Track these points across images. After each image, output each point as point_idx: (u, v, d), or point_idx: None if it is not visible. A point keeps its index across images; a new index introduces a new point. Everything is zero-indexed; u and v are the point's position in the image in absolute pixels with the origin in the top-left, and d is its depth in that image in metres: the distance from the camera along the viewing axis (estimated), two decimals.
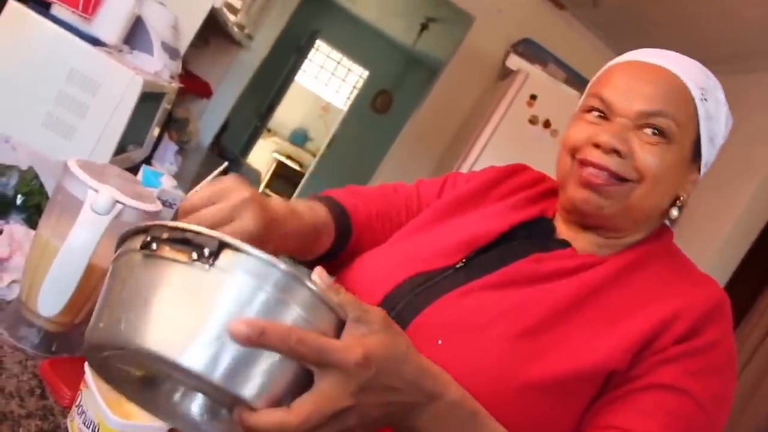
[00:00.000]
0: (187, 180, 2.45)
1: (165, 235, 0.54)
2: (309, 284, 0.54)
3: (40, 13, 1.43)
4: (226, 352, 0.50)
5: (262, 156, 8.29)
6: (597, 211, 0.89)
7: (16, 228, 1.06)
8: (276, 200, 0.88)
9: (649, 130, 0.85)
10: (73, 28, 1.46)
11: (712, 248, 2.80)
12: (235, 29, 2.69)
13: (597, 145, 0.86)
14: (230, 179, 0.79)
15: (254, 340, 0.49)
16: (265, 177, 8.11)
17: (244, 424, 0.52)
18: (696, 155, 0.89)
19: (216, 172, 1.59)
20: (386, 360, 0.57)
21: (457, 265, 0.92)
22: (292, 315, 0.53)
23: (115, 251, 0.59)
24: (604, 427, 0.76)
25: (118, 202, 0.84)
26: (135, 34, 1.71)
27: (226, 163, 1.77)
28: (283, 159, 8.56)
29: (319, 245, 0.97)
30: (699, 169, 0.92)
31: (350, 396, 0.55)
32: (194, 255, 0.52)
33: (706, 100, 0.87)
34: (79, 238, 0.82)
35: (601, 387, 0.79)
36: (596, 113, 0.90)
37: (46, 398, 0.79)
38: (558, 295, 0.84)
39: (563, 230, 0.96)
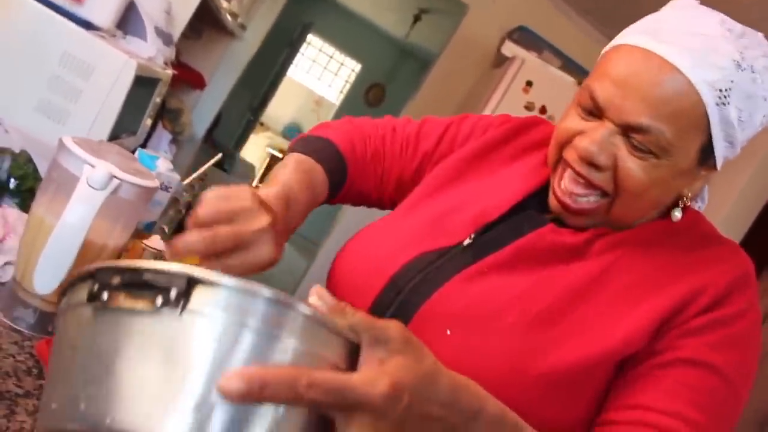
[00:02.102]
0: (182, 170, 2.42)
1: (116, 280, 0.43)
2: (304, 309, 0.44)
3: None
4: (219, 417, 0.40)
5: (256, 151, 8.25)
6: (575, 223, 0.85)
7: (9, 211, 1.04)
8: (271, 187, 0.83)
9: (636, 142, 0.76)
10: (65, 11, 1.43)
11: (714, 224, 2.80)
12: (228, 17, 2.66)
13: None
14: (247, 195, 0.70)
15: (254, 395, 0.40)
16: (259, 171, 8.08)
17: None
18: (705, 157, 0.79)
19: (210, 162, 1.58)
20: (417, 385, 0.49)
21: (465, 243, 0.87)
22: (292, 352, 0.43)
23: (58, 303, 0.49)
24: (627, 407, 0.73)
25: (114, 177, 0.82)
26: (128, 19, 1.68)
27: (220, 155, 1.76)
28: (276, 153, 8.53)
29: (311, 206, 0.92)
30: (714, 165, 0.81)
31: None
32: (159, 301, 0.42)
33: (725, 102, 0.74)
34: (75, 214, 0.80)
35: (619, 367, 0.76)
36: (586, 109, 0.81)
37: (44, 378, 0.77)
38: (571, 276, 0.80)
39: None
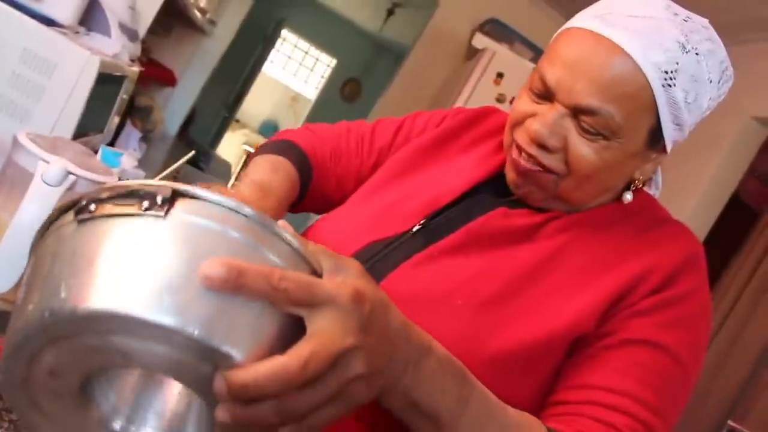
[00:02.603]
0: (154, 168, 2.41)
1: (105, 195, 0.46)
2: (281, 233, 0.48)
3: None
4: (200, 300, 0.42)
5: (232, 148, 8.20)
6: (529, 197, 0.85)
7: None
8: (258, 193, 0.84)
9: (585, 124, 0.77)
10: (24, 7, 1.41)
11: (682, 217, 2.84)
12: (197, 13, 2.64)
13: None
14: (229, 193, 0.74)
15: (232, 282, 0.42)
16: (236, 169, 8.04)
17: (232, 383, 0.43)
18: (654, 139, 0.80)
19: (183, 159, 1.57)
20: (376, 300, 0.50)
21: (414, 229, 0.87)
22: (267, 263, 0.45)
23: (37, 238, 0.50)
24: (578, 387, 0.73)
25: (70, 173, 0.81)
26: (91, 15, 1.66)
27: (193, 152, 1.75)
28: (253, 150, 8.47)
29: (289, 203, 0.95)
30: (664, 148, 0.82)
31: (351, 334, 0.47)
32: (145, 204, 0.44)
33: (671, 84, 0.75)
34: (30, 212, 0.79)
35: (569, 351, 0.76)
36: (538, 92, 0.81)
37: None
38: (522, 258, 0.80)
39: None
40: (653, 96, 0.76)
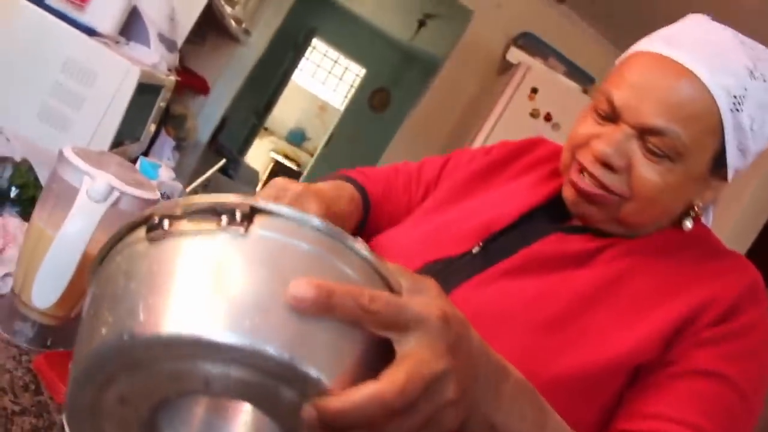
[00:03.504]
0: (185, 176, 2.42)
1: (179, 211, 0.44)
2: (359, 249, 0.46)
3: (31, 1, 1.40)
4: (287, 322, 0.40)
5: (260, 156, 8.25)
6: (587, 217, 0.85)
7: (9, 220, 1.03)
8: (319, 185, 0.88)
9: (651, 145, 0.77)
10: (67, 17, 1.42)
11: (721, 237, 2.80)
12: (233, 23, 2.65)
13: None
14: (279, 179, 0.80)
15: (323, 303, 0.40)
16: (263, 176, 8.08)
17: (326, 410, 0.40)
18: (717, 165, 0.80)
19: (215, 168, 1.57)
20: (460, 321, 0.48)
21: (474, 251, 0.88)
22: (345, 279, 0.44)
23: (102, 256, 0.47)
24: (640, 416, 0.73)
25: (114, 188, 0.80)
26: (131, 25, 1.67)
27: (224, 160, 1.75)
28: (280, 158, 8.52)
29: (352, 224, 0.96)
30: (725, 176, 0.82)
31: (442, 357, 0.44)
32: (224, 220, 0.43)
33: (739, 109, 0.75)
34: (75, 227, 0.78)
35: (631, 377, 0.76)
36: (603, 113, 0.82)
37: (41, 394, 0.75)
38: (582, 281, 0.80)
39: None
40: (720, 119, 0.76)
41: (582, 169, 0.83)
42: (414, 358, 0.43)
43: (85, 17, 1.45)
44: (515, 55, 3.70)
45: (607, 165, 0.80)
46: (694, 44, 0.77)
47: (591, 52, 3.92)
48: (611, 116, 0.81)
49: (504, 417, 0.53)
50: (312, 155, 8.61)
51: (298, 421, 0.42)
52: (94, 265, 0.48)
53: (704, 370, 0.73)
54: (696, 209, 0.85)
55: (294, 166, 8.56)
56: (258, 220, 0.44)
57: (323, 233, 0.45)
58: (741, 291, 0.77)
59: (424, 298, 0.47)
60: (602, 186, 0.81)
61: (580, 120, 0.86)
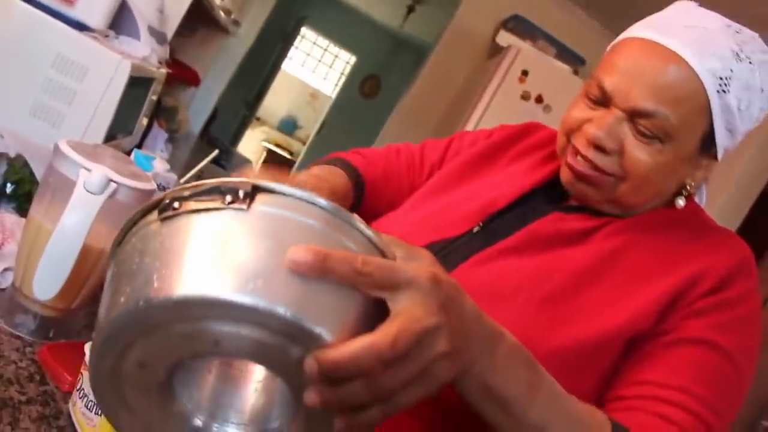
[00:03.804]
0: (178, 168, 2.42)
1: (187, 193, 0.48)
2: (356, 222, 0.50)
3: None
4: (288, 284, 0.44)
5: (252, 145, 8.24)
6: (584, 197, 0.88)
7: (6, 216, 1.04)
8: (300, 176, 0.90)
9: (642, 127, 0.80)
10: (56, 12, 1.42)
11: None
12: (222, 14, 2.65)
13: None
14: (253, 170, 0.81)
15: (319, 266, 0.44)
16: (256, 166, 8.06)
17: (324, 361, 0.44)
18: (707, 145, 0.83)
19: (208, 158, 1.57)
20: (451, 283, 0.51)
21: (474, 230, 0.91)
22: (346, 250, 0.47)
23: (119, 240, 0.52)
24: (634, 383, 0.75)
25: (111, 180, 0.81)
26: (121, 19, 1.67)
27: (216, 151, 1.75)
28: (272, 147, 8.51)
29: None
30: (715, 155, 0.85)
31: (434, 314, 0.48)
32: (228, 198, 0.47)
33: (725, 90, 0.78)
34: (73, 219, 0.80)
35: (626, 349, 0.78)
36: (594, 98, 0.85)
37: (47, 384, 0.77)
38: (579, 259, 0.83)
39: None
40: (708, 101, 0.79)
41: (577, 152, 0.86)
42: (406, 314, 0.47)
43: (75, 12, 1.45)
44: (505, 38, 3.70)
45: (599, 148, 0.83)
46: (682, 29, 0.80)
47: (580, 33, 3.92)
48: (602, 101, 0.84)
49: (499, 379, 0.56)
50: (304, 143, 8.60)
51: (302, 378, 0.45)
52: (113, 248, 0.53)
53: (697, 339, 0.76)
54: (688, 188, 0.87)
55: (287, 155, 8.55)
56: (259, 197, 0.48)
57: (320, 208, 0.49)
58: (733, 264, 0.80)
59: (416, 263, 0.50)
60: (596, 168, 0.84)
61: (573, 105, 0.89)
